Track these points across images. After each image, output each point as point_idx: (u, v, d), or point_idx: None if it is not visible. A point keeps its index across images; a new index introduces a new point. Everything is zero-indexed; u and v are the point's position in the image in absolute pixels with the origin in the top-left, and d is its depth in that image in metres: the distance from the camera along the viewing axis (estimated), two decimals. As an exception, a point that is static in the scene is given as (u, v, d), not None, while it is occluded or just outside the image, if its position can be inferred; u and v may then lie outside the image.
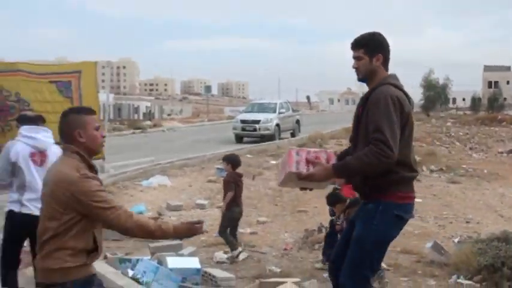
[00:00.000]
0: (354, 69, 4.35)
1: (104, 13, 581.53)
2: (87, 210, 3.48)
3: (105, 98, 14.91)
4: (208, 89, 71.58)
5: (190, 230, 3.74)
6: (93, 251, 3.61)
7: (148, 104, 66.19)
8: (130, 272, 6.68)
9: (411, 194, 4.29)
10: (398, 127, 4.04)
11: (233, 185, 8.57)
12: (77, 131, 3.63)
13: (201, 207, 12.39)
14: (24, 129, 6.10)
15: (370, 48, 4.23)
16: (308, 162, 4.14)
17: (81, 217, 3.50)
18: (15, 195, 5.94)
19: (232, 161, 8.87)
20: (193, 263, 7.15)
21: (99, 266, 6.29)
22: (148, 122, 45.32)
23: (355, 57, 4.30)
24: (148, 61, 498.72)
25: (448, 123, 35.88)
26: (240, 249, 8.43)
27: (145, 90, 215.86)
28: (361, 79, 4.38)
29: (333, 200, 7.96)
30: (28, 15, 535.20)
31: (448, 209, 13.44)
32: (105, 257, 7.41)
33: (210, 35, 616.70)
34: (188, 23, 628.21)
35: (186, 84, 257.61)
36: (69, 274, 3.50)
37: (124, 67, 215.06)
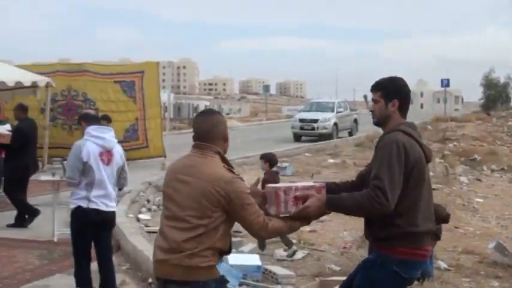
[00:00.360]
0: (371, 112, 4.22)
1: (164, 16, 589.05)
2: (234, 210, 3.58)
3: (167, 97, 15.09)
4: (266, 88, 71.80)
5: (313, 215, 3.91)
6: (228, 252, 3.73)
7: (208, 104, 66.61)
8: (193, 268, 6.79)
9: (418, 251, 3.97)
10: (400, 176, 3.85)
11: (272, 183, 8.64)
12: (226, 132, 3.80)
13: (261, 205, 12.49)
14: (93, 129, 6.28)
15: (387, 93, 4.09)
16: (297, 199, 3.90)
17: (226, 217, 3.58)
18: (82, 192, 6.13)
19: (269, 159, 8.99)
20: (254, 260, 7.24)
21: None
22: (208, 121, 45.72)
23: (372, 100, 4.20)
24: (208, 61, 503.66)
25: (510, 123, 34.93)
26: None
27: (205, 89, 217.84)
28: (376, 123, 4.24)
29: None
30: (93, 17, 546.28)
31: (510, 209, 13.19)
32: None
33: (268, 35, 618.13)
34: (246, 24, 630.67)
35: (244, 84, 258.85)
36: (212, 273, 3.59)
37: (184, 67, 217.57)
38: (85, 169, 6.09)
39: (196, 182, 3.58)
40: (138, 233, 8.87)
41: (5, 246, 8.81)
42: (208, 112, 3.96)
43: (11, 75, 14.82)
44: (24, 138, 10.19)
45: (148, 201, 12.01)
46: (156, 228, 8.74)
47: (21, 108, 10.63)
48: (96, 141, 6.18)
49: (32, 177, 10.71)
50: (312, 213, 3.88)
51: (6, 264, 7.90)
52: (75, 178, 6.12)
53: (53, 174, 9.42)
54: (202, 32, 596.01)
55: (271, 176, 8.70)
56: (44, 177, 10.00)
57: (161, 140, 18.14)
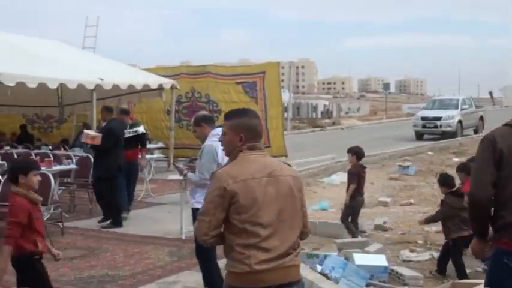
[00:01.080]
0: None
1: (282, 16, 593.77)
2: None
3: (287, 97, 15.13)
4: (386, 86, 70.98)
5: None
6: None
7: (326, 103, 66.46)
8: (319, 267, 6.77)
9: None
10: (486, 165, 3.88)
11: (356, 176, 8.97)
12: None
13: (384, 204, 12.32)
14: (219, 131, 6.42)
15: None
16: None
17: None
18: None
19: (356, 152, 9.22)
20: (381, 260, 7.13)
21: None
22: (327, 120, 45.75)
23: None
24: (327, 60, 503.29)
25: None
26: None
27: (323, 89, 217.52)
28: None
29: (441, 179, 7.65)
30: (208, 19, 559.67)
31: None
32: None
33: (388, 33, 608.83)
34: (365, 22, 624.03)
35: (363, 82, 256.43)
36: None
37: (303, 67, 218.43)
38: None
39: (285, 179, 3.54)
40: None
41: (139, 243, 9.20)
42: (254, 112, 3.87)
43: (138, 78, 15.50)
44: (115, 138, 10.44)
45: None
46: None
47: (107, 110, 10.94)
48: None
49: (159, 177, 11.02)
50: None
51: (139, 260, 8.24)
52: (208, 180, 6.25)
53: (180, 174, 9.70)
54: (320, 32, 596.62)
55: (357, 169, 9.07)
56: (171, 176, 10.31)
57: (283, 140, 18.24)
